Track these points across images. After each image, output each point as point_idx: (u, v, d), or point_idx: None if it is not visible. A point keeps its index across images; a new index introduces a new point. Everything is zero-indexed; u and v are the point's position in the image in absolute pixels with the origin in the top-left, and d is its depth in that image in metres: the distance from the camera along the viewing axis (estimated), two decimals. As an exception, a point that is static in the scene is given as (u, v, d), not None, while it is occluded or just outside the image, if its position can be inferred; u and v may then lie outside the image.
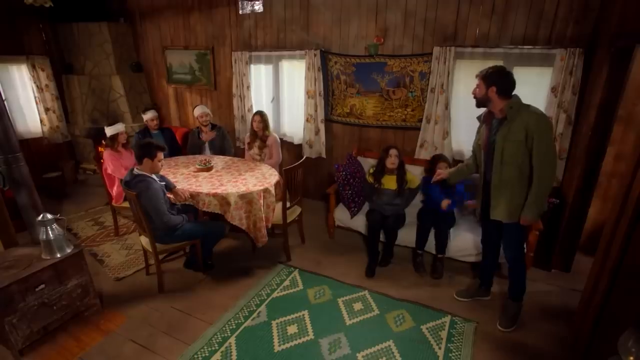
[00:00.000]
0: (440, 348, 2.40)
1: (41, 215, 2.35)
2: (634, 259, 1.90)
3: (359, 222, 3.53)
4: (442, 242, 3.09)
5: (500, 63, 3.28)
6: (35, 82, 4.96)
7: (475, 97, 2.36)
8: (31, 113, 5.10)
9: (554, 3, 2.97)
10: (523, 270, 2.57)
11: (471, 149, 2.71)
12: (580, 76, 2.95)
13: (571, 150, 3.15)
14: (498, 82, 2.22)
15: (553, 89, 3.06)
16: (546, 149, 2.16)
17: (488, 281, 2.85)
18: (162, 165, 2.85)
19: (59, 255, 2.41)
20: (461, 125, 3.57)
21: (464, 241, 3.11)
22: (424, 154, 3.74)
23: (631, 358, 1.06)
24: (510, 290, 2.62)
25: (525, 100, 3.37)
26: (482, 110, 2.45)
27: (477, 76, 2.32)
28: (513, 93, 2.24)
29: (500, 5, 3.17)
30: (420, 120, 3.70)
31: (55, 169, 5.11)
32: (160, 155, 2.79)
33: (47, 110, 5.12)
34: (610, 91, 2.67)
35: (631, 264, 1.93)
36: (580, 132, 3.00)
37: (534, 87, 3.19)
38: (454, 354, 2.36)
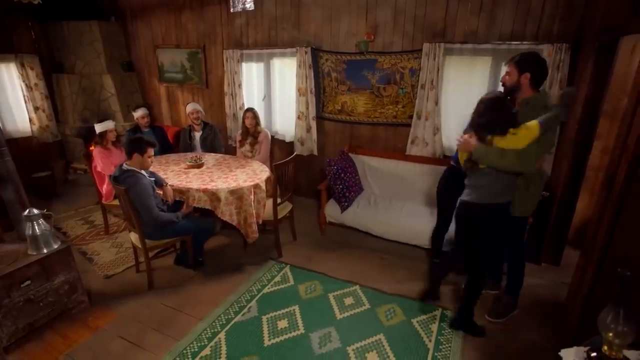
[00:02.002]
0: (430, 340, 2.40)
1: (27, 210, 2.32)
2: (618, 250, 1.93)
3: (350, 217, 3.54)
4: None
5: (488, 59, 3.34)
6: (24, 81, 4.91)
7: (504, 85, 2.19)
8: (20, 112, 5.04)
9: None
10: (522, 265, 2.56)
11: None
12: (567, 71, 2.99)
13: (559, 145, 3.19)
14: (533, 68, 2.07)
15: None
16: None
17: (496, 275, 2.84)
18: (152, 162, 2.83)
19: (45, 251, 2.38)
20: (451, 121, 3.59)
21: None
22: (415, 150, 3.76)
23: (610, 334, 1.07)
24: (508, 285, 2.63)
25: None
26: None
27: (509, 61, 2.15)
28: (541, 88, 2.13)
29: (488, 2, 3.21)
30: (411, 117, 3.72)
31: (45, 168, 5.06)
32: (151, 151, 2.77)
33: (36, 109, 5.07)
34: (596, 86, 2.70)
35: (615, 255, 1.95)
36: (568, 126, 3.03)
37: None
38: (444, 346, 2.36)
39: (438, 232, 3.04)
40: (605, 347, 1.12)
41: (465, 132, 2.23)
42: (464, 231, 2.38)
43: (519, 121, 2.02)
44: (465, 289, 2.45)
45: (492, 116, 2.02)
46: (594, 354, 1.15)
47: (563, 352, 1.21)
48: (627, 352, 1.12)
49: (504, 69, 3.23)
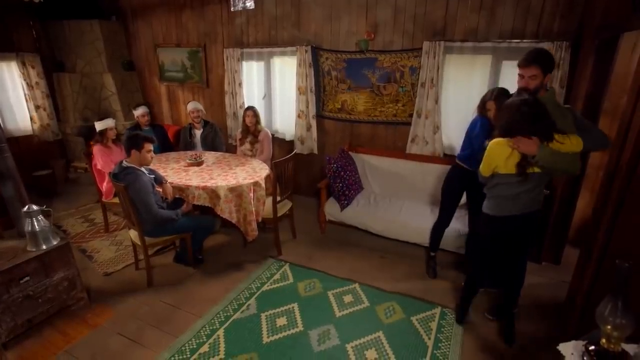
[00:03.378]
0: (430, 338, 2.40)
1: (26, 207, 2.33)
2: (618, 248, 1.92)
3: (350, 215, 3.54)
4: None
5: (489, 57, 3.33)
6: (25, 80, 4.92)
7: (528, 90, 1.98)
8: (21, 111, 5.05)
9: (541, -3, 3.01)
10: (524, 264, 2.48)
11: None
12: (567, 69, 2.98)
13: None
14: (553, 69, 2.00)
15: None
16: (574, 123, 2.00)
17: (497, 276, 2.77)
18: (151, 158, 2.83)
19: (44, 247, 2.38)
20: (451, 119, 3.59)
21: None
22: (415, 149, 3.76)
23: (608, 327, 1.06)
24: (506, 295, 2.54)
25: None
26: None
27: (532, 63, 1.95)
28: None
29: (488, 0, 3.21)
30: (411, 115, 3.72)
31: (45, 167, 5.06)
32: (149, 146, 2.77)
33: (37, 108, 5.08)
34: (596, 83, 2.70)
35: (615, 252, 1.94)
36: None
37: (523, 80, 3.22)
38: (443, 343, 2.35)
39: (440, 229, 3.03)
40: (604, 340, 1.11)
41: (494, 137, 2.07)
42: (502, 246, 2.27)
43: None
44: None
45: (548, 120, 1.90)
46: (592, 347, 1.14)
47: (561, 347, 1.20)
48: (625, 346, 1.12)
49: (506, 68, 3.28)
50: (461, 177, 2.76)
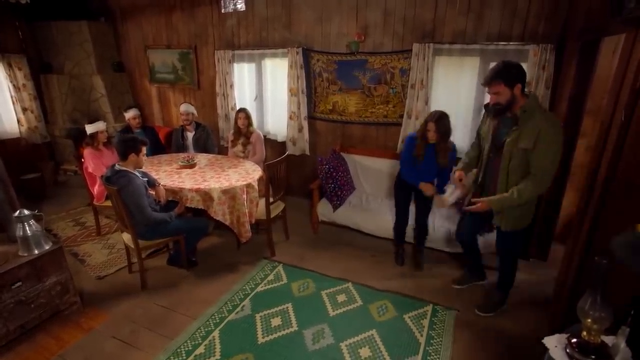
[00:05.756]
0: (422, 335, 2.45)
1: (18, 211, 2.31)
2: (601, 244, 1.99)
3: (342, 216, 3.58)
4: (422, 234, 3.17)
5: (476, 59, 3.40)
6: (11, 82, 4.84)
7: (499, 105, 2.06)
8: (8, 113, 4.97)
9: (526, 1, 3.09)
10: (515, 263, 2.59)
11: (477, 137, 2.57)
12: (552, 71, 3.06)
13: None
14: (520, 78, 1.99)
15: (527, 84, 3.16)
16: (549, 160, 2.02)
17: (479, 271, 2.94)
18: (145, 160, 2.84)
19: (36, 252, 2.37)
20: (441, 120, 3.65)
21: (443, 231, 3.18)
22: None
23: (589, 320, 1.12)
24: (499, 281, 2.67)
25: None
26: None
27: (490, 81, 2.02)
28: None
29: (476, 3, 3.27)
30: (402, 116, 3.77)
31: (34, 170, 4.99)
32: (144, 149, 2.78)
33: (24, 110, 5.00)
34: (579, 84, 2.79)
35: (598, 248, 2.01)
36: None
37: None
38: (435, 340, 2.41)
39: (398, 228, 3.26)
40: (585, 333, 1.17)
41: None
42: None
43: (521, 127, 2.04)
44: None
45: None
46: (574, 340, 1.20)
47: (546, 340, 1.26)
48: (604, 337, 1.18)
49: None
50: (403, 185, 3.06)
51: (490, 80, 2.03)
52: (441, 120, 2.71)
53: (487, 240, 2.95)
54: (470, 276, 2.96)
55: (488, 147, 2.31)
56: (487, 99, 3.39)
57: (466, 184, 2.57)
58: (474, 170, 2.56)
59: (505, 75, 1.98)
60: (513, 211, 2.25)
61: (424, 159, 2.85)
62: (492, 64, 3.31)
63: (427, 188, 2.86)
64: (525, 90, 2.08)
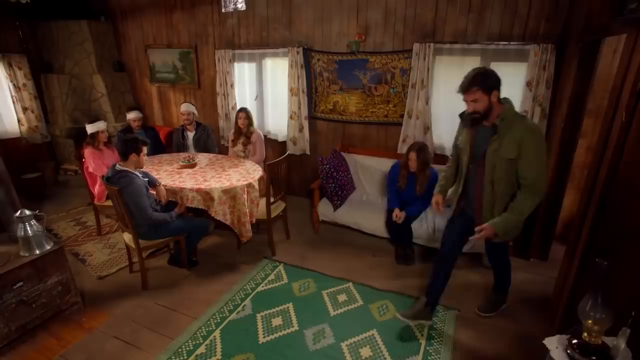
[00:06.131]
0: (422, 335, 2.45)
1: (19, 211, 2.31)
2: (602, 244, 2.00)
3: (343, 215, 3.58)
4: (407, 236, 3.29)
5: (477, 59, 3.40)
6: (12, 81, 4.85)
7: (477, 114, 1.97)
8: (8, 113, 4.98)
9: (527, 1, 3.09)
10: (509, 266, 2.56)
11: (452, 146, 2.44)
12: (553, 71, 3.06)
13: (546, 143, 3.26)
14: (496, 84, 1.92)
15: (528, 84, 3.17)
16: (538, 168, 1.94)
17: (436, 297, 2.51)
18: (146, 160, 2.84)
19: (37, 252, 2.37)
20: (441, 120, 3.66)
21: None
22: (406, 149, 3.81)
23: (589, 321, 1.12)
24: (496, 285, 2.66)
25: (502, 94, 3.47)
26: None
27: (468, 88, 1.92)
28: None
29: (476, 3, 3.27)
30: (402, 116, 3.78)
31: (34, 170, 5.00)
32: (145, 149, 2.79)
33: (25, 109, 5.01)
34: (580, 84, 2.79)
35: (599, 249, 2.02)
36: (554, 124, 3.11)
37: (510, 81, 3.29)
38: (436, 340, 2.41)
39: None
40: (585, 334, 1.17)
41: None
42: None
43: (501, 136, 1.95)
44: None
45: None
46: (575, 341, 1.20)
47: (546, 341, 1.27)
48: (605, 338, 1.18)
49: (494, 69, 3.32)
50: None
51: (467, 87, 1.92)
52: (422, 150, 3.04)
53: (475, 240, 2.96)
54: (425, 306, 2.47)
55: (467, 158, 2.18)
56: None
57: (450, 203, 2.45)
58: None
59: (482, 81, 1.89)
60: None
61: (406, 187, 3.21)
62: (493, 64, 3.37)
63: (398, 216, 3.12)
64: (501, 97, 1.97)
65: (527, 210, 2.01)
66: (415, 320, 2.45)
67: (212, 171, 3.38)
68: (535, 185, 1.96)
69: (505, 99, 1.96)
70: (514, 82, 3.28)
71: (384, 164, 3.87)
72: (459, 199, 2.34)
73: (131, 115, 4.10)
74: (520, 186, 2.02)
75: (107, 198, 3.57)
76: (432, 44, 3.41)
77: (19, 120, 5.02)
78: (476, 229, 2.10)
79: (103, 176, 2.81)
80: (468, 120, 2.08)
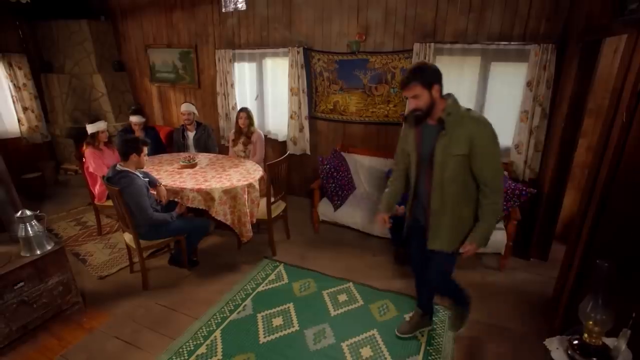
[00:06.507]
0: (423, 335, 2.46)
1: (20, 212, 2.31)
2: (602, 244, 2.00)
3: (343, 215, 3.58)
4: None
5: (478, 59, 3.40)
6: (12, 81, 4.85)
7: (419, 111, 1.83)
8: (8, 112, 4.98)
9: (528, 1, 3.08)
10: (452, 288, 2.28)
11: (398, 157, 2.20)
12: (553, 71, 3.07)
13: (546, 143, 3.27)
14: (437, 78, 1.80)
15: (528, 84, 3.17)
16: (497, 163, 1.83)
17: (429, 305, 2.48)
18: (146, 160, 2.85)
19: (38, 252, 2.37)
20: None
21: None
22: (406, 149, 3.82)
23: (590, 322, 1.13)
24: (452, 302, 2.43)
25: (503, 94, 3.45)
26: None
27: (407, 84, 1.79)
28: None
29: (477, 3, 3.27)
30: (402, 116, 3.78)
31: (34, 169, 5.00)
32: (146, 150, 2.79)
33: (25, 109, 5.01)
34: (580, 84, 2.78)
35: (599, 249, 2.02)
36: (555, 124, 3.11)
37: (511, 81, 3.31)
38: (436, 340, 2.42)
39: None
40: (586, 335, 1.18)
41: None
42: None
43: (450, 132, 1.80)
44: None
45: None
46: (575, 342, 1.21)
47: (547, 341, 1.27)
48: (605, 339, 1.19)
49: (495, 69, 3.35)
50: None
51: (406, 83, 1.80)
52: None
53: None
54: (421, 317, 2.46)
55: (415, 161, 2.01)
56: (487, 97, 3.46)
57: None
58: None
59: (420, 75, 1.78)
60: (454, 229, 1.96)
61: None
62: (494, 64, 3.37)
63: (398, 211, 2.88)
64: (443, 93, 1.85)
65: (500, 209, 1.89)
66: (415, 332, 2.46)
67: (213, 171, 3.38)
68: (496, 184, 1.83)
69: (448, 94, 1.85)
70: (515, 82, 3.29)
71: (384, 164, 3.87)
72: (411, 206, 2.16)
73: (133, 119, 4.08)
74: (480, 189, 1.87)
75: (108, 198, 3.57)
76: (432, 44, 3.41)
77: (19, 120, 5.02)
78: (461, 249, 1.94)
79: (103, 176, 2.81)
80: (412, 119, 1.92)
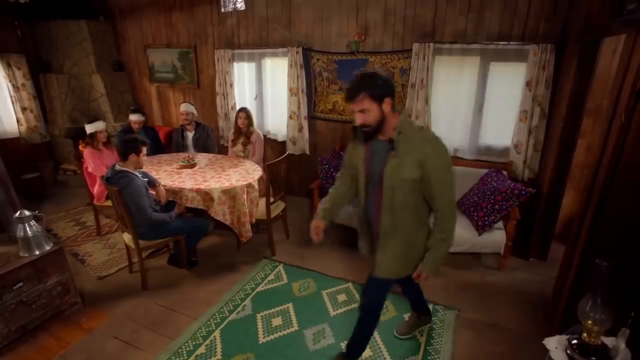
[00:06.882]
0: (422, 335, 2.46)
1: (18, 212, 2.31)
2: (601, 244, 2.00)
3: (342, 216, 3.58)
4: None
5: (477, 59, 3.41)
6: (10, 81, 4.84)
7: (367, 126, 1.60)
8: (7, 113, 4.97)
9: (527, 1, 3.09)
10: (374, 323, 2.13)
11: (345, 166, 2.00)
12: (552, 71, 3.07)
13: (545, 142, 3.27)
14: (389, 90, 1.59)
15: (528, 84, 3.17)
16: (449, 189, 1.67)
17: (422, 306, 2.46)
18: (145, 160, 2.84)
19: (37, 253, 2.37)
20: (441, 120, 3.65)
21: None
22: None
23: (589, 322, 1.13)
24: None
25: (502, 94, 3.45)
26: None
27: (354, 95, 1.55)
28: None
29: (476, 3, 3.27)
30: (402, 116, 3.77)
31: (33, 170, 4.99)
32: (145, 150, 2.79)
33: (24, 109, 5.00)
34: (579, 84, 2.79)
35: (598, 249, 2.02)
36: (554, 124, 3.12)
37: (510, 81, 3.32)
38: (435, 340, 2.42)
39: None
40: (585, 334, 1.18)
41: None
42: None
43: (400, 153, 1.61)
44: None
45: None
46: (574, 341, 1.21)
47: (546, 341, 1.27)
48: (604, 339, 1.19)
49: (494, 69, 3.36)
50: None
51: (353, 94, 1.55)
52: None
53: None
54: (418, 317, 2.47)
55: (364, 181, 1.81)
56: (486, 97, 3.47)
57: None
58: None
59: (370, 87, 1.54)
60: (403, 256, 1.82)
61: None
62: (493, 64, 3.37)
63: None
64: (395, 107, 1.65)
65: (451, 238, 1.74)
66: (414, 332, 2.46)
67: (212, 171, 3.38)
68: (450, 208, 1.69)
69: (400, 109, 1.66)
70: (514, 82, 3.29)
71: (384, 164, 3.87)
72: (361, 230, 2.00)
73: (133, 118, 4.08)
74: (433, 215, 1.75)
75: (107, 198, 3.56)
76: (431, 44, 3.41)
77: (18, 120, 5.01)
78: (414, 276, 1.81)
79: (102, 176, 2.81)
80: (360, 135, 1.72)
